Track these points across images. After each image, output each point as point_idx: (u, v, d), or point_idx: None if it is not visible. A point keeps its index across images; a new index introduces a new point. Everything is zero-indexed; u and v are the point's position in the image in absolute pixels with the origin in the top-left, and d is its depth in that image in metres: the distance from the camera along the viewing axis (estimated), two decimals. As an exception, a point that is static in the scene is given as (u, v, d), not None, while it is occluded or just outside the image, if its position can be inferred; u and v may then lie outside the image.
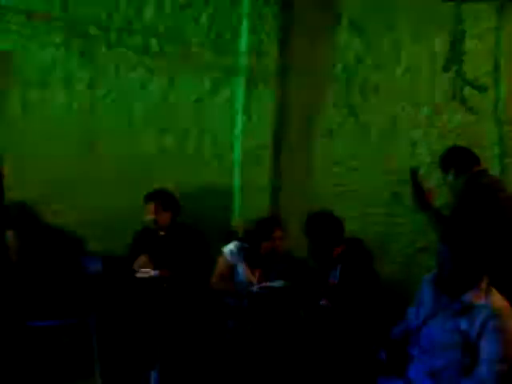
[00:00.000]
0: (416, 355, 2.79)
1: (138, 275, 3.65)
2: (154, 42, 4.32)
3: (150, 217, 3.90)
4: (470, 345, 2.64)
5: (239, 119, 4.38)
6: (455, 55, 4.49)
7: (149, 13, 4.31)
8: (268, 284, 3.65)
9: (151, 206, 3.90)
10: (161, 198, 3.94)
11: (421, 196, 3.20)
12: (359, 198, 4.50)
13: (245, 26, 4.33)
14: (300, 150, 4.49)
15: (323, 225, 3.55)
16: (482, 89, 4.51)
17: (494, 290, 2.74)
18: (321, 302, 3.41)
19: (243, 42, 4.34)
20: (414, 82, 4.52)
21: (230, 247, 3.85)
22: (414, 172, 3.23)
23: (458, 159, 3.40)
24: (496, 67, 4.51)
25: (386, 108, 4.51)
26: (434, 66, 4.52)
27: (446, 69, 4.50)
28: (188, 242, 3.93)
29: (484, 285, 2.73)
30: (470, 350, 2.64)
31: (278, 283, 3.64)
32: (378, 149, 4.54)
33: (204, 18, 4.35)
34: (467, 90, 4.50)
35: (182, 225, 4.01)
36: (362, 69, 4.48)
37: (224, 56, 4.36)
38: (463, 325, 2.66)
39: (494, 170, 4.27)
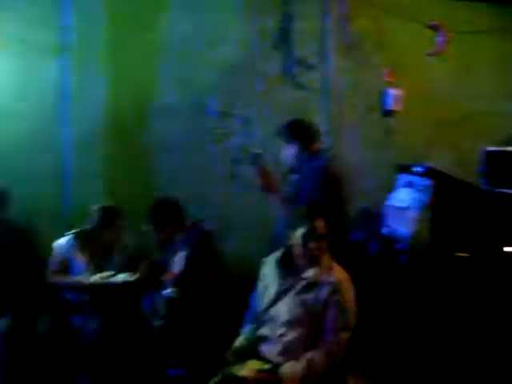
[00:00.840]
0: (267, 335, 2.84)
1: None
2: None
3: None
4: (316, 318, 2.76)
5: (68, 101, 4.05)
6: (285, 34, 4.60)
7: None
8: (108, 277, 3.47)
9: None
10: None
11: (266, 178, 3.23)
12: (198, 179, 4.42)
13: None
14: (134, 133, 4.31)
15: (164, 213, 3.46)
16: (310, 67, 4.68)
17: (335, 265, 2.88)
18: (164, 292, 3.31)
19: (69, 18, 4.00)
20: (248, 58, 4.53)
21: (63, 241, 3.59)
22: (255, 155, 3.25)
23: (303, 133, 3.42)
24: (323, 47, 4.70)
25: (220, 85, 4.47)
26: (265, 44, 4.58)
27: (276, 47, 4.59)
28: (12, 238, 3.60)
29: (327, 260, 2.86)
30: (316, 323, 2.76)
31: (119, 277, 3.48)
32: (213, 126, 4.49)
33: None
34: (297, 68, 4.64)
35: (5, 220, 3.65)
36: (196, 45, 4.39)
37: (48, 32, 3.99)
38: (309, 300, 2.79)
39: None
